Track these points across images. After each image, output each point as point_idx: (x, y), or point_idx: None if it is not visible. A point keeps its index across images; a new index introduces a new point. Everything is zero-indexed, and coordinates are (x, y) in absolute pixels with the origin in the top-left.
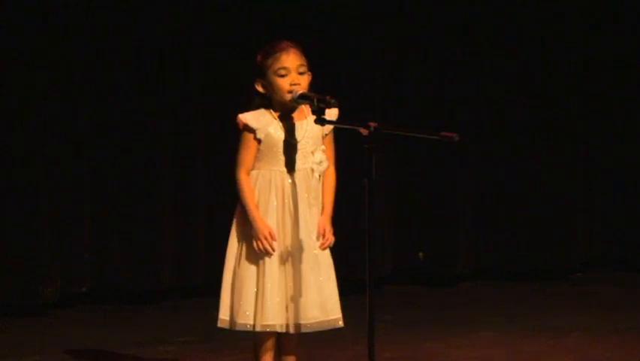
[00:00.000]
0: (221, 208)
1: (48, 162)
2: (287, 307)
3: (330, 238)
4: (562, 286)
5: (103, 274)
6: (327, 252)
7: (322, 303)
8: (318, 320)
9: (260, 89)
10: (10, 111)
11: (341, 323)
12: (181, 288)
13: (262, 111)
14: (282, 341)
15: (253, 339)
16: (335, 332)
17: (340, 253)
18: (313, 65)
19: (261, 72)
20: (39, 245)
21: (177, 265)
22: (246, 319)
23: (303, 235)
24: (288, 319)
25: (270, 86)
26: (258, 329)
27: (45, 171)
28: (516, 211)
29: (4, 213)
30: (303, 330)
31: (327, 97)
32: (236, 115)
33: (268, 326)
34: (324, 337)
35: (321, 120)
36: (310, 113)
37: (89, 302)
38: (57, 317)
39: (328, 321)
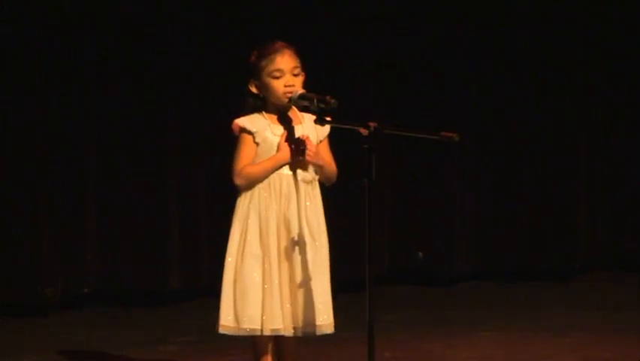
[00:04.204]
0: (222, 208)
1: (50, 161)
2: (286, 310)
3: (312, 148)
4: (562, 286)
5: (103, 275)
6: (325, 255)
7: (317, 308)
8: (315, 325)
9: (254, 89)
10: (11, 109)
11: (331, 330)
12: (181, 289)
13: (256, 115)
14: (281, 343)
15: (252, 342)
16: (335, 331)
17: (340, 253)
18: (313, 66)
19: (255, 73)
20: (39, 245)
21: (177, 266)
22: (253, 324)
23: (302, 237)
24: (288, 322)
25: (264, 87)
26: (265, 333)
27: (47, 170)
28: (516, 211)
29: (5, 213)
30: (301, 334)
31: (327, 97)
32: (232, 119)
33: (276, 329)
34: (324, 336)
35: (321, 120)
36: (304, 118)
37: (89, 303)
38: (57, 317)
39: (321, 326)
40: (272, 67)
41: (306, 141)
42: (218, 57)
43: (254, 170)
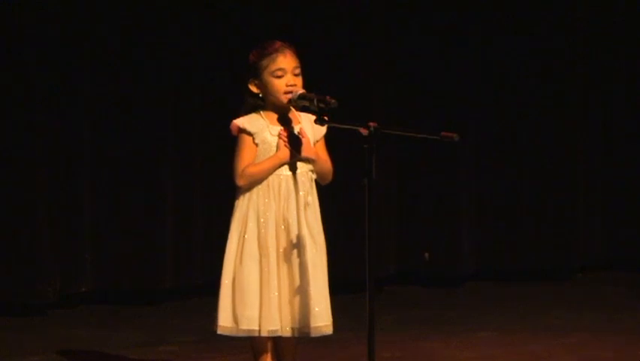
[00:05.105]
0: (220, 208)
1: (48, 161)
2: (285, 310)
3: (306, 138)
4: (562, 286)
5: (103, 275)
6: (323, 256)
7: (316, 309)
8: (312, 326)
9: (254, 89)
10: (10, 111)
11: (330, 331)
12: (181, 288)
13: (255, 116)
14: (280, 343)
15: (251, 342)
16: (335, 331)
17: (340, 253)
18: (313, 66)
19: (255, 72)
20: (38, 245)
21: (177, 266)
22: (251, 325)
23: (301, 237)
24: (287, 322)
25: (265, 87)
26: (263, 334)
27: (45, 170)
28: (517, 211)
29: (4, 212)
30: (299, 335)
31: (327, 97)
32: (231, 118)
33: (273, 331)
34: (324, 337)
35: (321, 120)
36: (301, 118)
37: (89, 302)
38: (57, 316)
39: (320, 327)
40: (274, 66)
41: (301, 137)
42: (216, 56)
43: (255, 170)
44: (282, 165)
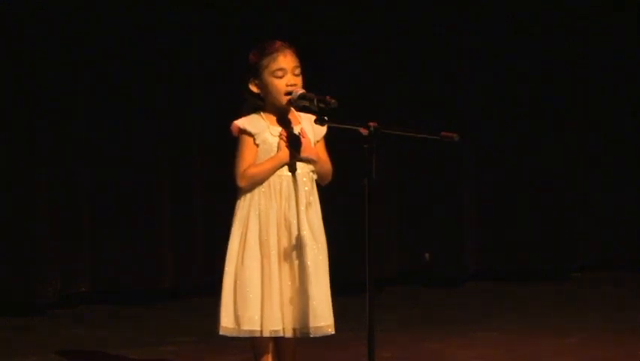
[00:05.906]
0: (220, 208)
1: (48, 162)
2: (287, 311)
3: (307, 138)
4: (562, 286)
5: (102, 274)
6: (325, 256)
7: (317, 309)
8: (314, 326)
9: (254, 89)
10: (9, 111)
11: (332, 330)
12: (181, 288)
13: (256, 117)
14: (280, 344)
15: (252, 343)
16: (335, 331)
17: (341, 254)
18: (313, 66)
19: (256, 72)
20: (38, 245)
21: (177, 265)
22: (253, 325)
23: (302, 237)
24: (289, 323)
25: (265, 86)
26: (265, 334)
27: (45, 171)
28: (516, 212)
29: (4, 213)
30: (301, 335)
31: (327, 97)
32: (231, 118)
33: (275, 331)
34: (324, 337)
35: (321, 120)
36: (301, 118)
37: (89, 302)
38: (57, 316)
39: (322, 327)
40: (274, 66)
41: (301, 137)
42: (216, 56)
43: (256, 171)
44: (282, 165)
